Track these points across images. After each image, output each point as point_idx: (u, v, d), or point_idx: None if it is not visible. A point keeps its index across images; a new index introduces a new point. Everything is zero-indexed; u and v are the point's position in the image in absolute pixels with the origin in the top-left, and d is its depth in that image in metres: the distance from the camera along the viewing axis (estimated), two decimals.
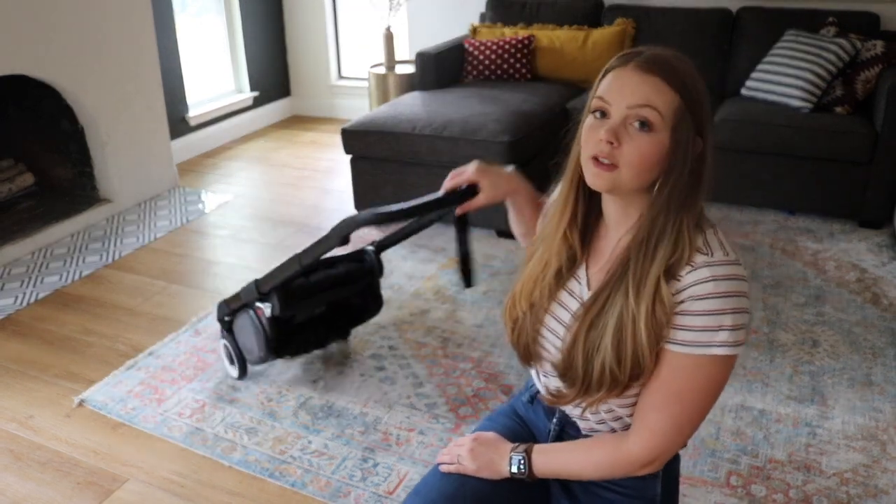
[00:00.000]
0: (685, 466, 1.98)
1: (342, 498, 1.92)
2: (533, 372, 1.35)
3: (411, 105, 3.61)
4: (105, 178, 3.79)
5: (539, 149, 3.50)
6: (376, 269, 2.48)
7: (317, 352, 2.56)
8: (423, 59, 3.97)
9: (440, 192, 1.49)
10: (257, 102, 5.27)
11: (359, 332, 2.67)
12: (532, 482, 1.27)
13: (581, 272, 1.21)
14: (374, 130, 3.42)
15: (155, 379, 2.45)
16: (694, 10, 3.99)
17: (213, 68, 5.03)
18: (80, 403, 2.34)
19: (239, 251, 3.40)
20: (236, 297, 2.34)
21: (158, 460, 2.09)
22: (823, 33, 3.60)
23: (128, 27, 3.74)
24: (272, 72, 5.41)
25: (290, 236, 3.53)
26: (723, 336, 1.06)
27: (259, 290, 2.24)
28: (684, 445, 1.20)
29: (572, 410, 1.26)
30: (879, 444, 2.06)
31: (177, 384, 2.42)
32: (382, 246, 2.49)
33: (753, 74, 3.65)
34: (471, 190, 1.44)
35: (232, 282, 3.09)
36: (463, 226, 1.63)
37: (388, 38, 4.80)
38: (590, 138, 1.09)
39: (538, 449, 1.25)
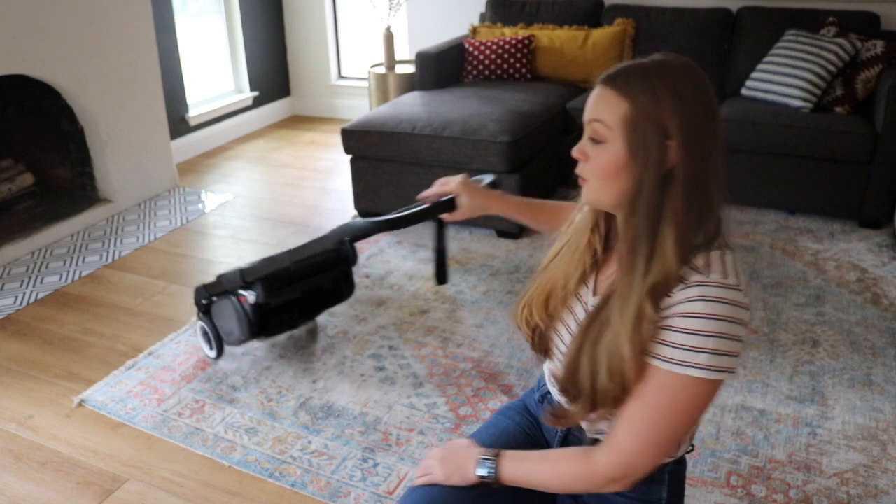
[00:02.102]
0: None
1: (342, 498, 1.92)
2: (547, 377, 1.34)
3: (411, 105, 3.61)
4: (105, 178, 3.79)
5: (539, 149, 3.50)
6: (351, 258, 2.58)
7: (316, 351, 2.57)
8: (423, 59, 3.97)
9: (423, 203, 1.58)
10: (257, 102, 5.27)
11: (359, 332, 2.67)
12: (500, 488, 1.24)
13: (591, 278, 1.21)
14: (374, 130, 3.42)
15: (155, 379, 2.45)
16: (694, 10, 3.99)
17: (213, 68, 5.03)
18: (80, 403, 2.34)
19: (239, 251, 3.40)
20: (217, 283, 2.44)
21: (158, 460, 2.09)
22: (823, 33, 3.60)
23: (128, 27, 3.73)
24: (272, 72, 5.41)
25: (289, 236, 3.53)
26: (702, 358, 1.04)
27: (244, 279, 2.34)
28: (652, 468, 1.14)
29: None
30: (879, 444, 2.06)
31: (176, 384, 2.42)
32: (357, 237, 2.52)
33: (753, 74, 3.65)
34: (451, 202, 1.51)
35: None
36: (441, 224, 1.67)
37: (388, 37, 4.80)
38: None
39: (508, 455, 1.23)
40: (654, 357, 1.07)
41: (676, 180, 1.05)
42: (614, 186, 1.08)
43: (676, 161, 1.04)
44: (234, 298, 2.39)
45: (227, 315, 2.42)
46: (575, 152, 1.11)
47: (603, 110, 1.07)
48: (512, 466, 1.21)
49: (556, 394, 1.26)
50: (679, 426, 1.10)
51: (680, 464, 1.28)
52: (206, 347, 2.55)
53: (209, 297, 2.49)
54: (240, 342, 2.45)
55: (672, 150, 1.04)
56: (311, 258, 2.44)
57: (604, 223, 1.20)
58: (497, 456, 1.22)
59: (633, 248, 1.08)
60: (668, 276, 1.05)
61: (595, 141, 1.09)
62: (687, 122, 1.05)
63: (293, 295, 2.47)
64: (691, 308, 1.04)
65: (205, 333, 2.53)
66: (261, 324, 2.39)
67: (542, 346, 1.27)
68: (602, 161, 1.08)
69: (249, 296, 2.35)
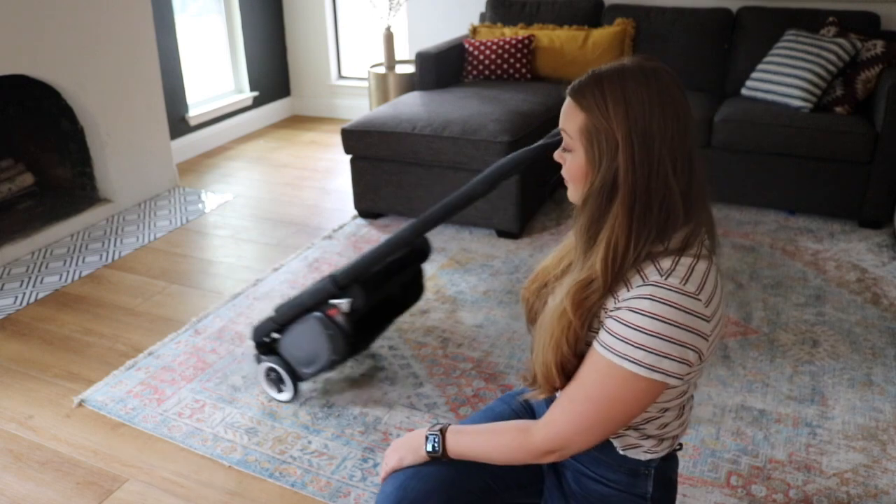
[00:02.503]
0: (685, 466, 1.98)
1: (342, 498, 1.92)
2: None
3: (411, 105, 3.61)
4: (105, 178, 3.79)
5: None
6: (427, 251, 2.38)
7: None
8: (422, 58, 3.97)
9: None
10: (257, 102, 5.27)
11: None
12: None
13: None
14: (374, 130, 3.42)
15: (155, 379, 2.45)
16: (694, 9, 3.99)
17: (213, 68, 5.03)
18: (80, 403, 2.34)
19: (239, 251, 3.40)
20: (292, 307, 2.21)
21: (158, 460, 2.09)
22: (823, 33, 3.60)
23: (128, 27, 3.73)
24: (272, 72, 5.41)
25: (289, 236, 3.53)
26: (640, 355, 1.07)
27: (338, 284, 2.14)
28: (588, 447, 1.20)
29: None
30: (879, 444, 2.06)
31: (176, 384, 2.42)
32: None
33: (753, 74, 3.65)
34: None
35: (232, 281, 3.10)
36: None
37: (388, 37, 4.80)
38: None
39: (452, 429, 1.30)
40: (597, 343, 1.13)
41: (620, 189, 1.10)
42: (582, 189, 1.17)
43: (624, 170, 1.09)
44: (318, 315, 2.16)
45: (309, 340, 2.17)
46: (556, 157, 1.21)
47: (566, 121, 1.17)
48: (455, 439, 1.29)
49: None
50: (614, 415, 1.15)
51: (667, 461, 1.31)
52: (273, 391, 2.31)
53: (275, 329, 2.27)
54: (331, 365, 2.20)
55: (621, 159, 1.09)
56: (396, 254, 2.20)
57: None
58: (443, 431, 1.30)
59: (576, 246, 1.19)
60: (593, 277, 1.12)
61: (565, 149, 1.18)
62: (634, 132, 1.09)
63: (382, 296, 2.27)
64: (639, 305, 1.08)
65: (272, 374, 2.28)
66: (357, 335, 2.19)
67: (532, 324, 1.36)
68: (571, 167, 1.17)
69: (342, 304, 2.13)
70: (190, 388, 2.39)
